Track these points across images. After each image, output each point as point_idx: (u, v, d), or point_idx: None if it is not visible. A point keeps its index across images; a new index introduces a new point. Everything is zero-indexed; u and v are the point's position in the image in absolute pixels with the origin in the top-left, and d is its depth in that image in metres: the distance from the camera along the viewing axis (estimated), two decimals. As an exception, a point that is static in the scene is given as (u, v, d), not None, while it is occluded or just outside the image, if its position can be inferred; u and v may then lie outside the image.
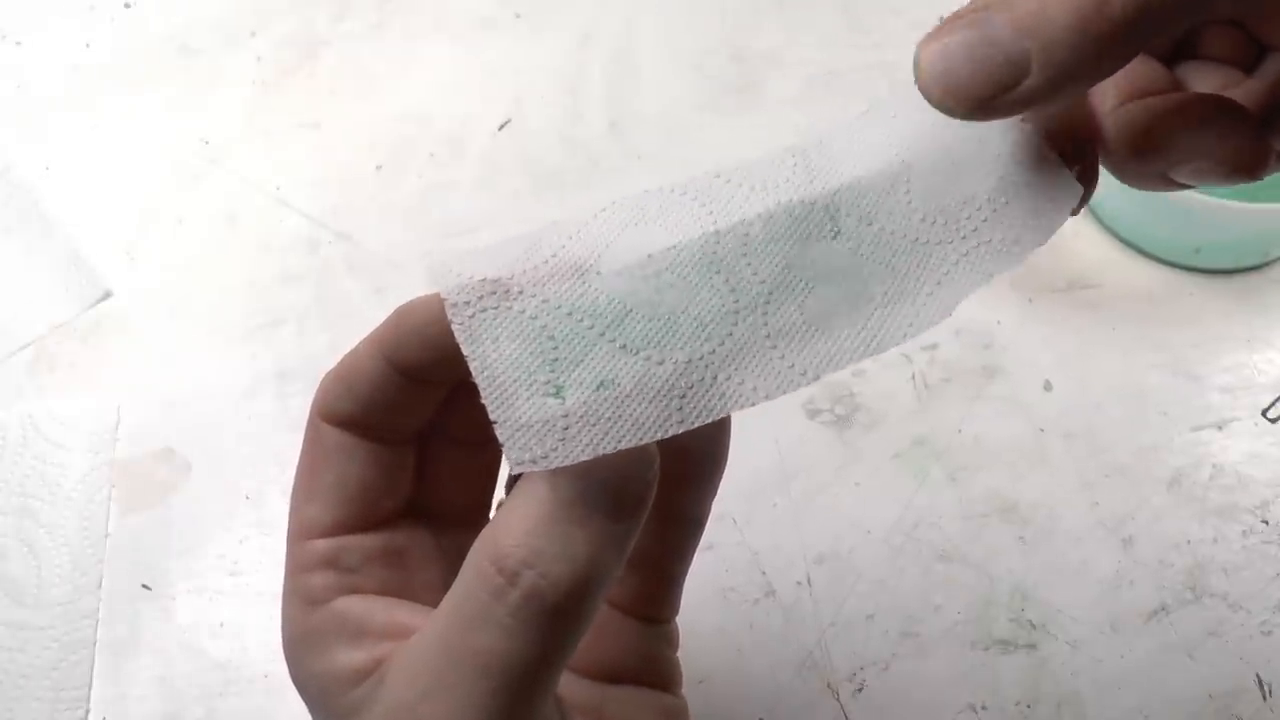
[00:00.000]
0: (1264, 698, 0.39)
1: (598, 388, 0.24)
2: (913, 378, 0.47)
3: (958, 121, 0.23)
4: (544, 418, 0.23)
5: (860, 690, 0.40)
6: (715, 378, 0.24)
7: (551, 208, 0.54)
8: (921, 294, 0.25)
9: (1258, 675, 0.40)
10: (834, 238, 0.26)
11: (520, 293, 0.24)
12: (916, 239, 0.26)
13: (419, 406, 0.27)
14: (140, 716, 0.41)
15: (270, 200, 0.56)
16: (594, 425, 0.23)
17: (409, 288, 0.58)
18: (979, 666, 0.40)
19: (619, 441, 0.23)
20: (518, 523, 0.23)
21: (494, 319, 0.24)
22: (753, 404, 0.24)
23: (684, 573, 0.32)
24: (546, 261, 0.25)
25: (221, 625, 0.43)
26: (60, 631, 0.43)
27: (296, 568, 0.26)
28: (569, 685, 0.29)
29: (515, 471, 0.23)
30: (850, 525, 0.43)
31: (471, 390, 0.28)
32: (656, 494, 0.26)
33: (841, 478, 0.45)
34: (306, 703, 0.26)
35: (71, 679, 0.42)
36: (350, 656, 0.25)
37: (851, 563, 0.43)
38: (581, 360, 0.24)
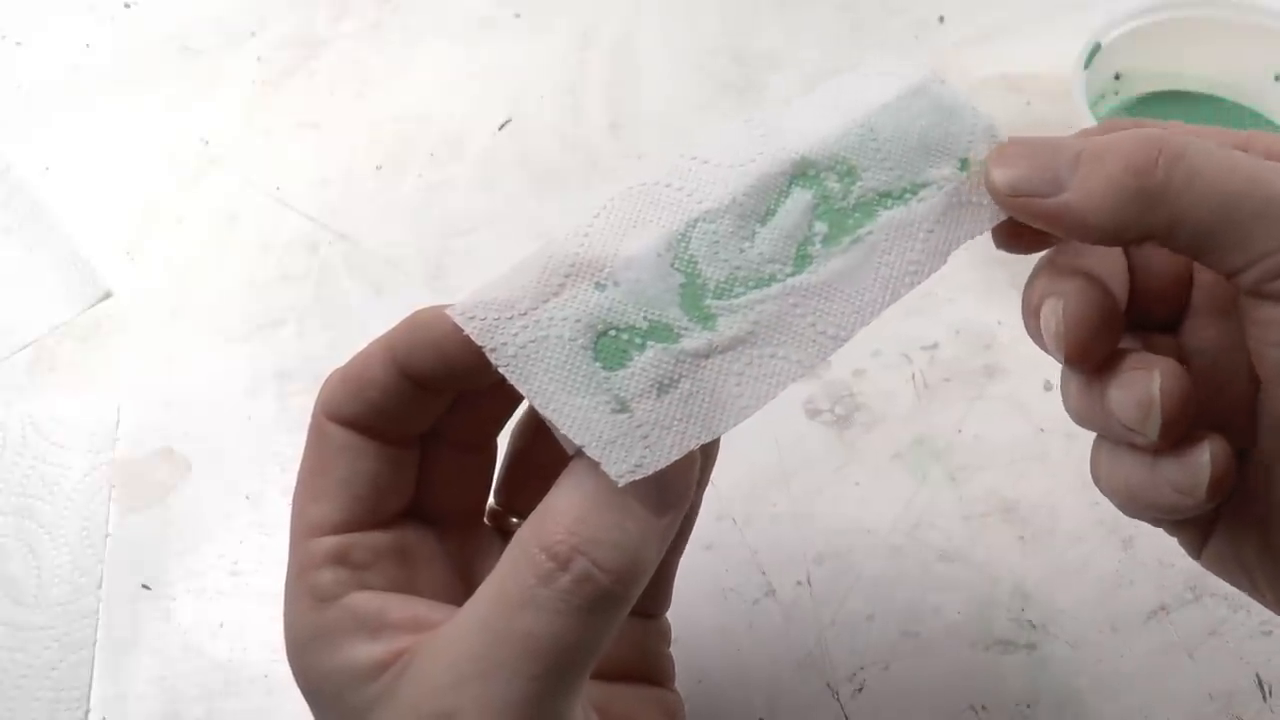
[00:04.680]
0: (1264, 698, 0.39)
1: (658, 393, 0.24)
2: (913, 378, 0.47)
3: (916, 105, 0.27)
4: (622, 431, 0.24)
5: (860, 690, 0.40)
6: (760, 357, 0.25)
7: (551, 208, 0.55)
8: (918, 239, 0.26)
9: (1258, 675, 0.40)
10: (822, 197, 0.26)
11: (551, 320, 0.25)
12: (893, 193, 0.27)
13: (426, 411, 0.27)
14: (140, 716, 0.41)
15: (270, 200, 0.56)
16: (669, 428, 0.24)
17: (409, 288, 0.58)
18: (979, 666, 0.40)
19: (696, 439, 0.24)
20: (567, 511, 0.24)
21: (536, 351, 0.25)
22: (798, 377, 0.25)
23: (676, 565, 0.32)
24: (563, 284, 0.25)
25: (221, 625, 0.43)
26: (60, 631, 0.43)
27: (303, 566, 0.26)
28: None
29: (621, 482, 0.23)
30: (850, 525, 0.43)
31: (471, 396, 0.28)
32: None
33: (841, 478, 0.45)
34: (315, 703, 0.26)
35: (71, 679, 0.42)
36: (368, 650, 0.25)
37: (851, 563, 0.43)
38: (631, 372, 0.24)
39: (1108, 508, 0.28)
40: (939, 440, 0.45)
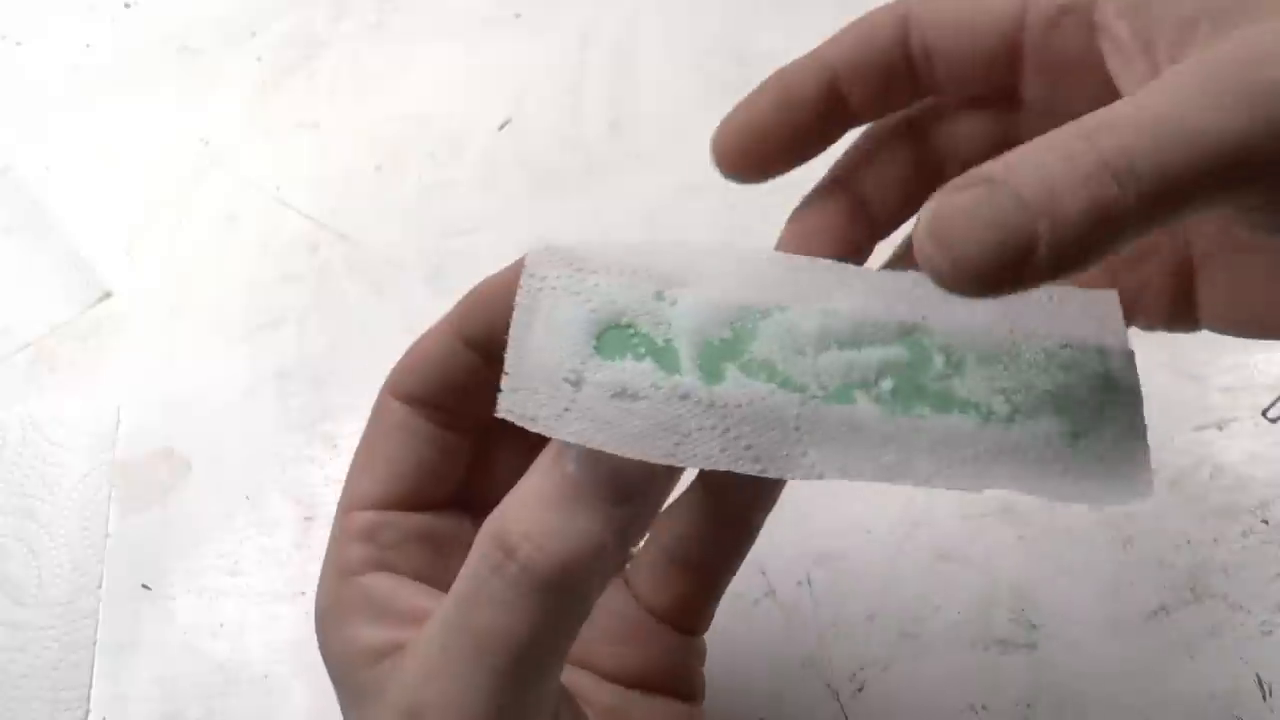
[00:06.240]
0: (1264, 698, 0.39)
1: (613, 395, 0.24)
2: (913, 378, 0.47)
3: (1083, 361, 0.24)
4: (551, 392, 0.24)
5: (860, 690, 0.40)
6: (730, 433, 0.24)
7: (552, 208, 0.55)
8: (957, 457, 0.25)
9: (1258, 675, 0.40)
10: (912, 363, 0.25)
11: (595, 287, 0.25)
12: (972, 406, 0.25)
13: (483, 390, 0.27)
14: (140, 716, 0.41)
15: (270, 200, 0.56)
16: (590, 421, 0.24)
17: (409, 288, 0.58)
18: (979, 666, 0.40)
19: (604, 447, 0.24)
20: (520, 501, 0.24)
21: (557, 298, 0.25)
22: (746, 471, 0.24)
23: (726, 585, 0.31)
24: (636, 271, 0.25)
25: (221, 625, 0.43)
26: (60, 631, 0.43)
27: (337, 537, 0.27)
28: (595, 689, 0.29)
29: (498, 413, 0.24)
30: (850, 525, 0.43)
31: None
32: (716, 498, 0.27)
33: (841, 478, 0.45)
34: (329, 673, 0.26)
35: (71, 679, 0.42)
36: (369, 634, 0.25)
37: (851, 563, 0.43)
38: (613, 367, 0.24)
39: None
40: (939, 440, 0.45)
